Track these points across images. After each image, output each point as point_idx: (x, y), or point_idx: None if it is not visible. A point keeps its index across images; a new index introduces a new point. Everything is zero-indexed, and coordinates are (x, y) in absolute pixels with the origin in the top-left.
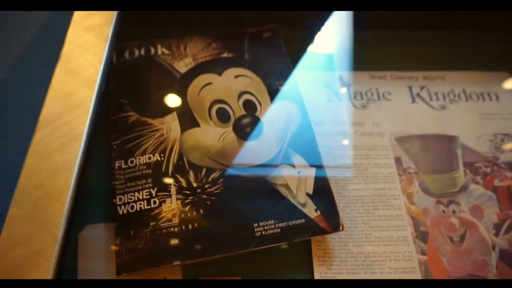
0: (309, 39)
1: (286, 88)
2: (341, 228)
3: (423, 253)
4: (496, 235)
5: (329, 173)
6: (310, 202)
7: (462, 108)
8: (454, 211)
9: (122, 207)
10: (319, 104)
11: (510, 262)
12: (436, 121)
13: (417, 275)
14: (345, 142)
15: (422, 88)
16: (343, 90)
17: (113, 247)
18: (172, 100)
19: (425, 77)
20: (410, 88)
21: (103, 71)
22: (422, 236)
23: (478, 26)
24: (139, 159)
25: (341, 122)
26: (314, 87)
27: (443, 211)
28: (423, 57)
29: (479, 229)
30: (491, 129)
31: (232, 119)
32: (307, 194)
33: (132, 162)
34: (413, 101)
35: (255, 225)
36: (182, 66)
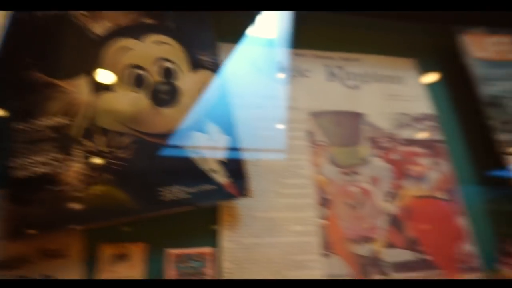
0: (241, 19)
1: (208, 59)
2: (248, 194)
3: (324, 218)
4: (388, 202)
5: (243, 143)
6: (221, 169)
7: (372, 89)
8: (355, 181)
9: (20, 170)
10: (243, 78)
11: (398, 225)
12: (348, 99)
13: (316, 238)
14: (263, 114)
15: (339, 68)
16: (267, 65)
17: (8, 212)
18: (85, 62)
19: (342, 58)
20: (327, 67)
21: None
22: (325, 203)
23: (394, 16)
24: (43, 121)
25: (262, 95)
26: (239, 61)
27: (346, 181)
28: (342, 39)
29: (375, 197)
30: (395, 109)
31: (148, 85)
32: (219, 161)
33: (33, 124)
34: (330, 79)
35: (163, 189)
36: (99, 28)
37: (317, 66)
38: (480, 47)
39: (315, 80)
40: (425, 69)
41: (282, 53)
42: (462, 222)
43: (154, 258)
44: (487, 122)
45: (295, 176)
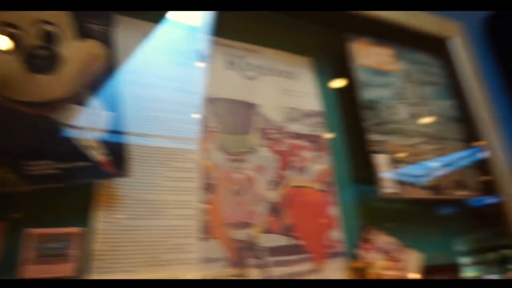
0: None
1: (99, 29)
2: (128, 174)
3: (206, 202)
4: (270, 190)
5: (130, 122)
6: (99, 146)
7: (268, 82)
8: (241, 168)
9: None
10: (141, 56)
11: (277, 212)
12: (244, 89)
13: (196, 222)
14: (156, 94)
15: (239, 57)
16: (170, 47)
17: None
18: None
19: (243, 48)
20: (228, 55)
21: None
22: (209, 187)
23: (297, 14)
24: None
25: (161, 76)
26: (143, 39)
27: (232, 167)
28: (246, 30)
29: (258, 184)
30: (287, 103)
31: (23, 48)
32: (98, 138)
33: None
34: (229, 67)
35: (31, 163)
36: None
37: (219, 53)
38: (365, 55)
39: (215, 66)
40: (319, 68)
41: (188, 37)
42: (334, 212)
43: (14, 238)
44: (362, 123)
45: (182, 159)
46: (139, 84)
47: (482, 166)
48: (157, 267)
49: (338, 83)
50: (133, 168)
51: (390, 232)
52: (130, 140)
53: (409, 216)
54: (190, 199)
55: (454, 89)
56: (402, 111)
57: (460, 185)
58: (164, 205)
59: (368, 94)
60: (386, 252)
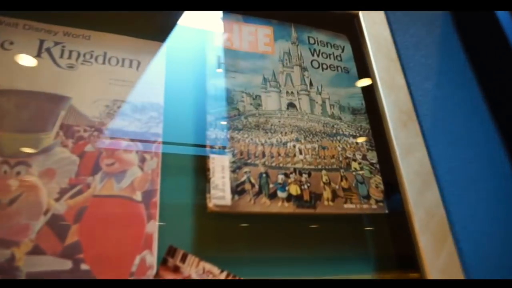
0: None
1: None
2: None
3: None
4: (57, 200)
5: None
6: None
7: (93, 71)
8: (18, 173)
9: None
10: None
11: (56, 226)
12: (55, 79)
13: None
14: None
15: (56, 43)
16: None
17: None
18: None
19: (66, 33)
20: (41, 41)
21: None
22: None
23: None
24: None
25: None
26: None
27: (5, 172)
28: (77, 14)
29: (39, 192)
30: (113, 95)
31: None
32: None
33: None
34: (38, 55)
35: None
36: None
37: (28, 38)
38: (231, 35)
39: (18, 54)
40: (172, 54)
41: None
42: (151, 227)
43: None
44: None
45: None
46: None
47: (384, 172)
48: None
49: (192, 70)
50: None
51: (222, 258)
52: None
53: (266, 238)
54: None
55: (360, 74)
56: (273, 101)
57: (349, 195)
58: None
59: (228, 81)
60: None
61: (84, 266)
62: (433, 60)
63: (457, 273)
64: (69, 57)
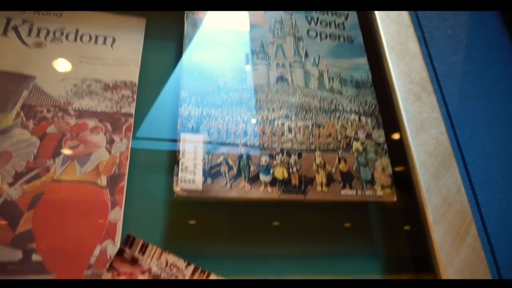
0: None
1: None
2: None
3: None
4: (11, 184)
5: None
6: None
7: (63, 49)
8: None
9: None
10: None
11: (8, 213)
12: (21, 58)
13: None
14: None
15: (24, 22)
16: None
17: None
18: None
19: (36, 12)
20: (8, 20)
21: None
22: None
23: None
24: None
25: None
26: None
27: None
28: None
29: None
30: (83, 74)
31: None
32: None
33: None
34: (4, 34)
35: None
36: None
37: None
38: None
39: None
40: (154, 31)
41: None
42: (115, 215)
43: None
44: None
45: None
46: None
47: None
48: None
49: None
50: None
51: (193, 252)
52: None
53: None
54: None
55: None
56: (260, 75)
57: (348, 179)
58: None
59: (207, 54)
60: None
61: (35, 257)
62: (462, 32)
63: (480, 272)
64: (38, 35)
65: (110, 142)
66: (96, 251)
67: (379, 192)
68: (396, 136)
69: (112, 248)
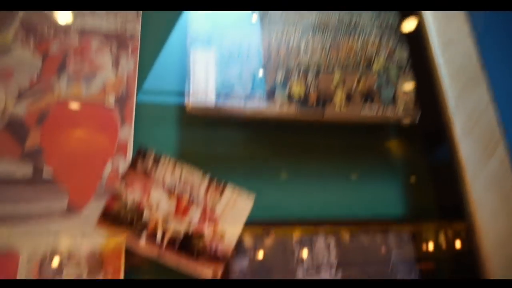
0: None
1: None
2: None
3: None
4: (20, 102)
5: None
6: None
7: None
8: None
9: None
10: None
11: (20, 132)
12: None
13: None
14: None
15: None
16: None
17: None
18: None
19: None
20: None
21: None
22: None
23: None
24: None
25: None
26: None
27: None
28: None
29: None
30: None
31: None
32: None
33: None
34: None
35: None
36: None
37: None
38: None
39: None
40: None
41: None
42: (124, 133)
43: None
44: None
45: None
46: None
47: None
48: None
49: None
50: None
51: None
52: None
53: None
54: None
55: None
56: None
57: (369, 99)
58: None
59: None
60: (170, 191)
61: (46, 170)
62: None
63: (508, 187)
64: None
65: (116, 61)
66: (108, 167)
67: (401, 112)
68: (420, 53)
69: (123, 164)
